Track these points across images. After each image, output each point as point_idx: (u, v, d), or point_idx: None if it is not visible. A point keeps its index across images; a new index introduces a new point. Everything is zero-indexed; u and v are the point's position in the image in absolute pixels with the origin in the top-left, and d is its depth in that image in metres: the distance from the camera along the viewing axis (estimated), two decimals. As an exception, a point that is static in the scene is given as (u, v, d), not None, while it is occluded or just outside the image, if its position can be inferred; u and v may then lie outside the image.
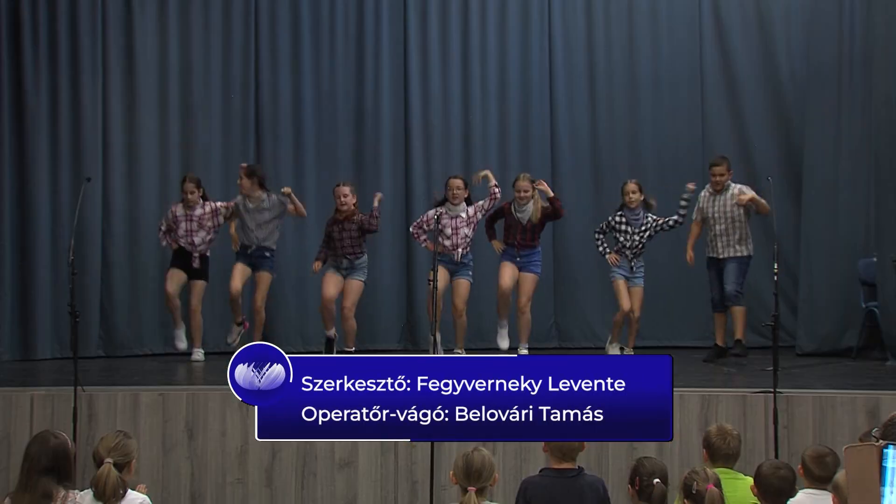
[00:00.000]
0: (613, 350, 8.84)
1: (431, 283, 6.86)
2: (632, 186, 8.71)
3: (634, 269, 8.73)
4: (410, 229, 8.88)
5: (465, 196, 8.62)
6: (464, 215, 8.55)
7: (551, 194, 8.61)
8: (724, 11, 10.08)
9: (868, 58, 8.96)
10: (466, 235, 8.55)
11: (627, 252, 8.72)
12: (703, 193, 8.71)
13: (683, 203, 8.64)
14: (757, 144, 9.97)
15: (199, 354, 8.76)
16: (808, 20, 9.68)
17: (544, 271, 9.98)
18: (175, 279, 8.80)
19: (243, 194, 8.67)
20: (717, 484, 4.25)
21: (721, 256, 8.56)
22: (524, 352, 8.77)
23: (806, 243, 9.28)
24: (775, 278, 6.87)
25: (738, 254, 8.51)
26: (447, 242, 8.49)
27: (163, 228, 8.89)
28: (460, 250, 8.51)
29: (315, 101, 9.99)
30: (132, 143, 9.61)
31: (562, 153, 10.15)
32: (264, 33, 9.97)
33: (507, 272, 8.70)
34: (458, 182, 8.60)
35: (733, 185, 8.61)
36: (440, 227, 8.41)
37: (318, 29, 10.02)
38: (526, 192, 8.55)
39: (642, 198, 8.69)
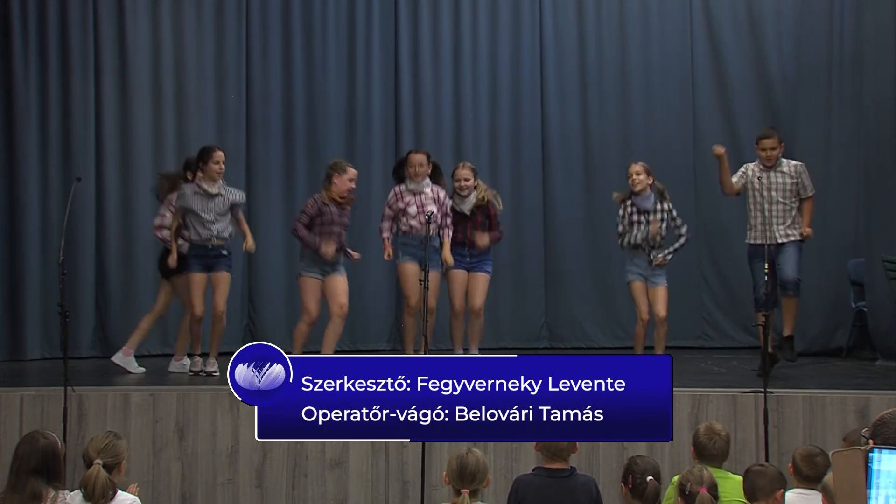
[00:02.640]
0: None
1: (422, 283, 6.76)
2: (635, 168, 7.89)
3: (654, 264, 7.78)
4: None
5: (429, 172, 7.83)
6: (428, 191, 7.74)
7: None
8: (715, 11, 10.10)
9: (858, 58, 8.99)
10: (433, 213, 7.64)
11: (644, 245, 7.79)
12: (750, 167, 7.84)
13: (676, 224, 7.90)
14: (747, 144, 9.95)
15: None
16: (798, 20, 9.71)
17: (535, 271, 10.02)
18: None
19: (212, 179, 7.63)
20: (713, 488, 4.26)
21: (779, 241, 7.63)
22: None
23: (796, 243, 9.29)
24: (766, 278, 6.89)
25: (795, 238, 7.66)
26: (413, 222, 7.68)
27: (160, 222, 7.96)
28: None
29: (306, 97, 9.96)
30: (125, 141, 9.54)
31: (553, 151, 10.15)
32: (256, 30, 9.94)
33: (459, 286, 7.90)
34: (421, 157, 7.83)
35: (785, 160, 7.74)
36: (403, 206, 7.73)
37: (309, 25, 10.00)
38: (467, 180, 7.89)
39: (651, 181, 7.84)
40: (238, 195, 7.89)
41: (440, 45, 10.12)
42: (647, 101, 10.11)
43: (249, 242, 7.83)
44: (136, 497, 4.56)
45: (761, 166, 7.74)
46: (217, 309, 7.69)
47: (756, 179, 7.71)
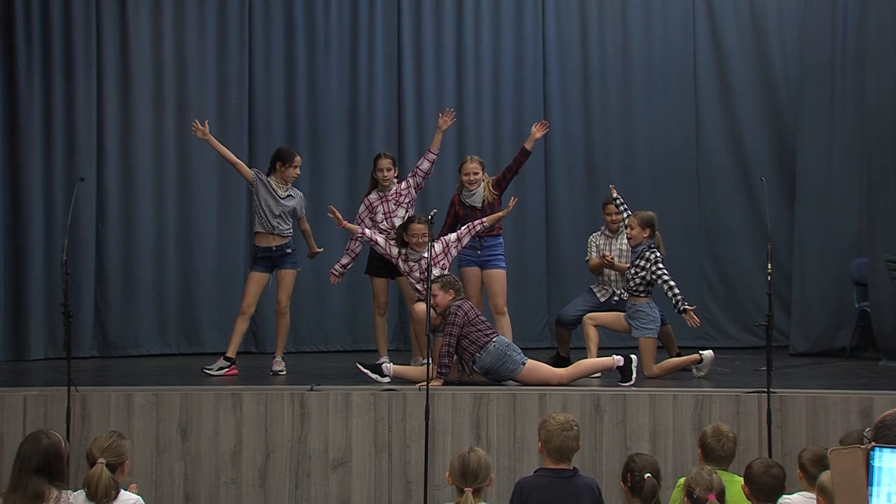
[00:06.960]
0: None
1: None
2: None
3: (626, 306, 7.54)
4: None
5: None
6: (436, 247, 7.40)
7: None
8: (718, 11, 10.14)
9: (861, 58, 8.99)
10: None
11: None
12: (595, 235, 8.21)
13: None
14: (750, 144, 9.99)
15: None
16: (801, 20, 9.73)
17: (538, 271, 10.03)
18: (385, 289, 8.08)
19: (286, 181, 7.77)
20: (721, 494, 4.24)
21: (621, 298, 7.88)
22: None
23: (799, 243, 9.29)
24: (769, 278, 6.88)
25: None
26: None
27: (360, 234, 7.70)
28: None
29: (308, 99, 10.00)
30: (126, 142, 9.60)
31: (555, 151, 10.17)
32: (258, 32, 9.99)
33: (474, 285, 7.75)
34: (422, 227, 7.30)
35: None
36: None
37: (311, 27, 10.03)
38: (476, 174, 7.79)
39: (646, 234, 7.34)
40: (301, 202, 7.94)
41: (443, 45, 10.15)
42: (650, 101, 10.13)
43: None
44: (140, 497, 4.57)
45: (607, 232, 8.15)
46: (280, 305, 7.81)
47: (600, 245, 8.11)
